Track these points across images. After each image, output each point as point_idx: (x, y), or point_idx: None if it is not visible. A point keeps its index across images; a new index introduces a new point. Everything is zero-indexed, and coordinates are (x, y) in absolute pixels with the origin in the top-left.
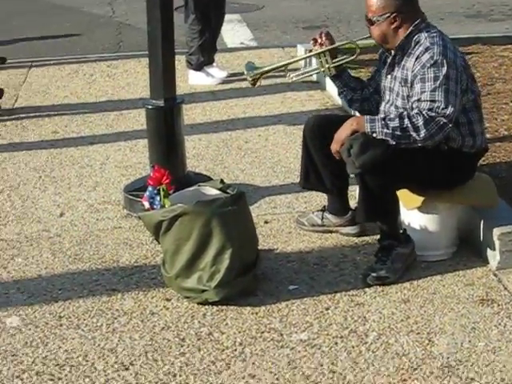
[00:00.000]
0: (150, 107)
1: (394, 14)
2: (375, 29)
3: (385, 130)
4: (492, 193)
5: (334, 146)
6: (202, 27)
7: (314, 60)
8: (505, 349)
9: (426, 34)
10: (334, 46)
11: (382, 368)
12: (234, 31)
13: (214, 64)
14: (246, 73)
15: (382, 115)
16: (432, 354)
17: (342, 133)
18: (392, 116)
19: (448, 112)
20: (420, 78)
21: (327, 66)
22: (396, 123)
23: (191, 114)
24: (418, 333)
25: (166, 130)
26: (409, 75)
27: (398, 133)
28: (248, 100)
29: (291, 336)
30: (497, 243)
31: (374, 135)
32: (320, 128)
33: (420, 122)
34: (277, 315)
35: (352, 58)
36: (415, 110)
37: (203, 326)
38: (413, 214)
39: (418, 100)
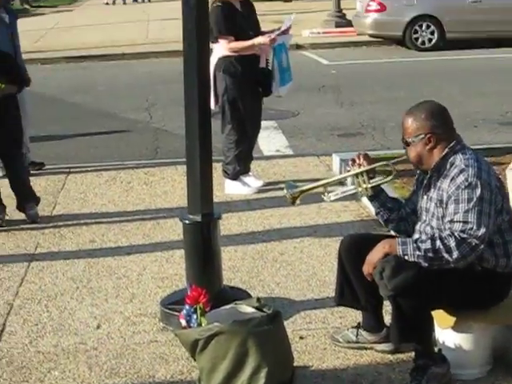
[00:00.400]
0: (187, 222)
1: (429, 135)
2: (411, 150)
3: (417, 253)
4: None
5: (366, 268)
6: (238, 137)
7: (349, 179)
8: None
9: (462, 156)
10: (371, 166)
11: None
12: (269, 138)
13: (250, 173)
14: (285, 191)
15: (416, 236)
16: None
17: (375, 255)
18: (424, 238)
19: (480, 233)
20: (454, 199)
21: (364, 186)
22: (428, 245)
23: (227, 224)
24: None
25: (203, 245)
26: (444, 196)
27: (431, 255)
28: (283, 210)
29: None
30: None
31: (406, 258)
32: (356, 246)
33: (452, 243)
34: None
35: (389, 179)
36: (447, 232)
37: None
38: (447, 332)
39: (451, 221)
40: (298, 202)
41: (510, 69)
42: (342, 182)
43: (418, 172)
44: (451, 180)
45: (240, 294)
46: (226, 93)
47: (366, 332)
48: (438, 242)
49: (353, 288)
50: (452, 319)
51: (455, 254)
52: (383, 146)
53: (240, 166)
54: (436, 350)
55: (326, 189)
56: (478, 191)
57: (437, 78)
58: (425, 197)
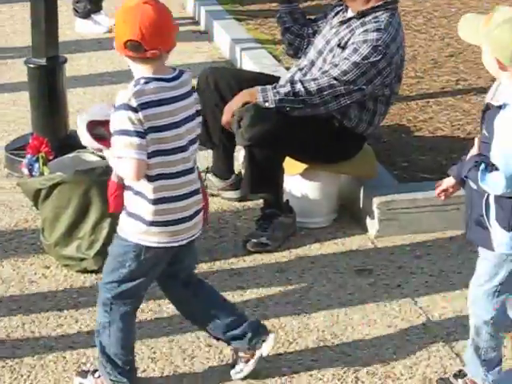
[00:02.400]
0: (31, 66)
1: None
2: None
3: (277, 97)
4: (372, 164)
5: (224, 118)
6: None
7: None
8: (379, 321)
9: (387, 17)
10: None
11: None
12: None
13: (102, 11)
14: None
15: (305, 63)
16: (308, 327)
17: (233, 104)
18: (283, 83)
19: (352, 87)
20: (354, 47)
21: None
22: (288, 88)
23: (76, 65)
24: (295, 304)
25: (47, 90)
26: (350, 40)
27: (291, 97)
28: None
29: (169, 307)
30: (375, 212)
31: (267, 104)
32: (214, 81)
33: (314, 87)
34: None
35: None
36: (317, 74)
37: (82, 295)
38: (294, 180)
39: (335, 64)
40: None
41: None
42: None
43: (337, 2)
44: (364, 30)
45: None
46: None
47: (214, 177)
48: (299, 85)
49: (207, 125)
50: (300, 166)
51: (316, 98)
52: None
53: (91, 4)
54: (284, 200)
55: None
56: (377, 57)
57: None
58: (333, 30)
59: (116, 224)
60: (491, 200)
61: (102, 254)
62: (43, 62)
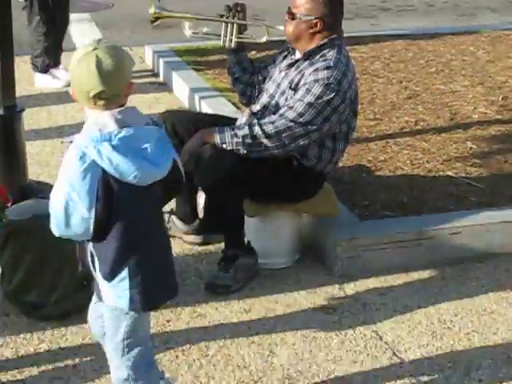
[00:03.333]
0: None
1: (317, 21)
2: (293, 25)
3: (235, 140)
4: (333, 202)
5: (183, 158)
6: (46, 29)
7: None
8: (345, 358)
9: (335, 53)
10: (245, 22)
11: (223, 381)
12: (83, 31)
13: (61, 66)
14: (152, 9)
15: (257, 107)
16: (273, 366)
17: (191, 145)
18: (241, 125)
19: (309, 128)
20: (307, 88)
21: (230, 37)
22: (246, 131)
23: (36, 118)
24: (260, 344)
25: (5, 140)
26: (301, 81)
27: (249, 140)
28: None
29: None
30: (338, 250)
31: (225, 146)
32: (171, 125)
33: (272, 130)
34: None
35: (258, 41)
36: (274, 117)
37: (42, 342)
38: (256, 221)
39: (290, 106)
40: (158, 22)
41: None
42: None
43: (285, 46)
44: (314, 70)
45: (47, 188)
46: None
47: (178, 220)
48: (257, 128)
49: None
50: (260, 207)
51: (274, 142)
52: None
53: (49, 59)
54: (245, 241)
55: (190, 23)
56: (331, 95)
57: None
58: (283, 73)
59: (74, 269)
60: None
61: (62, 300)
62: (0, 111)
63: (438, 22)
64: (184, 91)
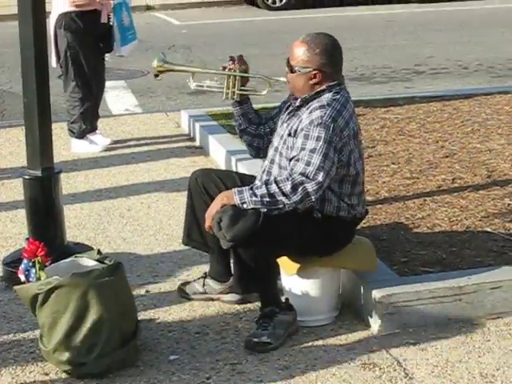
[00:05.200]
0: (27, 177)
1: (316, 72)
2: (293, 77)
3: (253, 199)
4: (371, 257)
5: (207, 223)
6: (82, 95)
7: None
8: None
9: (331, 95)
10: (247, 75)
11: None
12: (118, 98)
13: (98, 131)
14: (155, 62)
15: (266, 163)
16: None
17: (213, 208)
18: (258, 184)
19: (320, 178)
20: (304, 133)
21: (233, 90)
22: (263, 190)
23: (73, 182)
24: None
25: (43, 200)
26: (299, 127)
27: (267, 199)
28: (131, 167)
29: None
30: (377, 306)
31: (245, 206)
32: (202, 183)
33: (288, 186)
34: None
35: (260, 94)
36: (286, 174)
37: None
38: (293, 279)
39: (296, 159)
40: (161, 76)
41: (356, 26)
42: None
43: (289, 95)
44: (309, 112)
45: (84, 250)
46: (67, 49)
47: (213, 281)
48: (274, 186)
49: (200, 227)
50: (297, 265)
51: (292, 197)
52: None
53: (86, 125)
54: (283, 299)
55: (194, 76)
56: (328, 134)
57: (288, 36)
58: (285, 124)
59: (115, 326)
60: None
61: (102, 357)
62: (38, 173)
63: (473, 83)
64: (221, 154)
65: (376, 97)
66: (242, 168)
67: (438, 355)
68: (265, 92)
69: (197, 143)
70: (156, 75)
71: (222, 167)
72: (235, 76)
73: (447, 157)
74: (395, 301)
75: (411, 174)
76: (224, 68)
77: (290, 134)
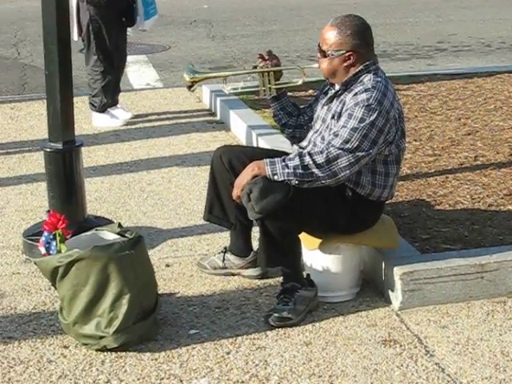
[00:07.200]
0: (48, 150)
1: (350, 53)
2: (326, 62)
3: (286, 171)
4: (393, 234)
5: (235, 192)
6: (104, 68)
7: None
8: None
9: (372, 77)
10: (279, 68)
11: None
12: (139, 72)
13: (119, 105)
14: (185, 75)
15: (305, 144)
16: None
17: (243, 178)
18: (292, 156)
19: (357, 154)
20: (349, 113)
21: (268, 86)
22: (297, 162)
23: (94, 156)
24: (320, 376)
25: (64, 173)
26: (343, 109)
27: (300, 171)
28: (152, 141)
29: (191, 382)
30: (398, 283)
31: (276, 178)
32: (228, 160)
33: (322, 159)
34: (177, 361)
35: (296, 84)
36: (322, 147)
37: (101, 373)
38: (315, 255)
39: (335, 134)
40: (195, 87)
41: (378, 3)
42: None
43: (326, 83)
44: (354, 95)
45: (105, 223)
46: (90, 23)
47: (233, 256)
48: (308, 158)
49: (223, 204)
50: (319, 241)
51: (326, 171)
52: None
53: (107, 99)
54: (304, 274)
55: (226, 81)
56: (374, 116)
57: (307, 12)
58: (325, 107)
59: (135, 300)
60: None
61: (122, 331)
62: (59, 145)
63: (495, 61)
64: (241, 129)
65: (398, 73)
66: (263, 143)
67: (459, 333)
68: (300, 82)
69: (218, 118)
70: (189, 86)
71: (243, 142)
72: (268, 72)
73: (469, 134)
74: (416, 278)
75: (433, 151)
76: (255, 67)
77: (333, 117)
